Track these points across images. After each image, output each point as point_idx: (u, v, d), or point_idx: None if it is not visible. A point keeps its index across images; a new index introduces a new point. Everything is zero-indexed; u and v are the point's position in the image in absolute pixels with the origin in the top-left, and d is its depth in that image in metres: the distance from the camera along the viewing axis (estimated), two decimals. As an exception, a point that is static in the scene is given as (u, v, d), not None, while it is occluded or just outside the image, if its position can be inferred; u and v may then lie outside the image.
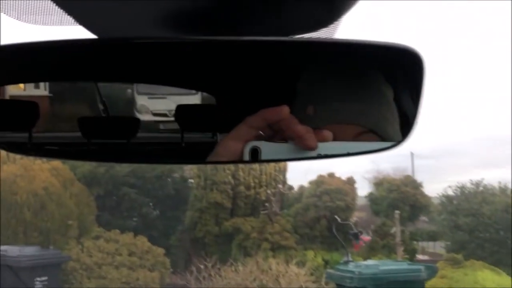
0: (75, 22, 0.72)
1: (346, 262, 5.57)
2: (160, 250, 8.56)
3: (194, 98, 2.05)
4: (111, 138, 1.70)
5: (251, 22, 0.77)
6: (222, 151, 0.68)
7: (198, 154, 0.77)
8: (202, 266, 7.73)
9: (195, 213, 9.55)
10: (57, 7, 0.68)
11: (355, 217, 10.20)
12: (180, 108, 1.54)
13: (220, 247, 9.04)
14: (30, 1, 0.70)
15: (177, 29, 0.74)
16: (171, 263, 8.71)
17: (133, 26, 0.74)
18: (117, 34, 0.75)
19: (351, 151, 0.70)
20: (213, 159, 0.69)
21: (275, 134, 0.67)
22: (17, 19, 0.74)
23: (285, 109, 0.65)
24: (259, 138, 0.67)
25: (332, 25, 0.78)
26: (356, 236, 7.48)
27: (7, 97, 2.01)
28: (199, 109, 1.68)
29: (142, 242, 8.42)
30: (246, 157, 0.67)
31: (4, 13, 0.72)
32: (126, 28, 0.74)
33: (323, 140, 0.67)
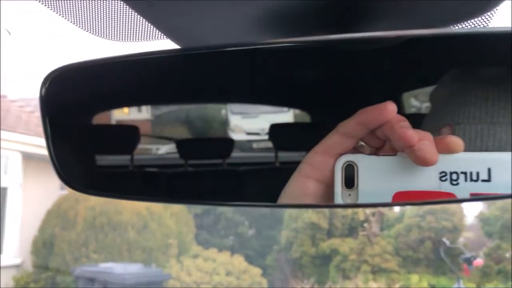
0: (163, 36, 0.65)
1: (458, 290, 5.10)
2: (257, 270, 8.52)
3: (286, 116, 1.97)
4: (207, 158, 1.68)
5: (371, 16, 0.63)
6: (307, 169, 0.51)
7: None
8: (299, 288, 7.55)
9: (290, 233, 9.43)
10: (144, 21, 0.61)
11: (462, 237, 9.43)
12: (274, 127, 1.46)
13: (317, 269, 8.80)
14: (114, 17, 0.64)
15: (273, 34, 0.62)
16: (268, 284, 8.63)
17: (229, 35, 0.64)
18: (206, 44, 0.66)
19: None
20: (298, 183, 0.51)
21: (383, 144, 0.49)
22: (102, 36, 0.68)
23: (389, 107, 0.46)
24: (359, 150, 0.50)
25: (487, 15, 0.60)
26: (469, 261, 6.84)
27: (113, 121, 2.09)
28: (293, 127, 1.59)
29: (239, 261, 8.46)
30: (338, 177, 0.49)
31: (89, 32, 0.67)
32: (218, 38, 0.65)
33: (448, 150, 0.46)
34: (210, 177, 1.57)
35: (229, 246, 9.52)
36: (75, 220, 7.77)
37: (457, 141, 0.47)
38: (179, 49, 0.60)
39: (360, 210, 9.10)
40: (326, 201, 0.50)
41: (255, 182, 1.54)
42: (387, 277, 7.86)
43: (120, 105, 1.45)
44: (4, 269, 7.44)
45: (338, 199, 0.49)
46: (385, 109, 0.47)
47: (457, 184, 0.47)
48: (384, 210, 9.44)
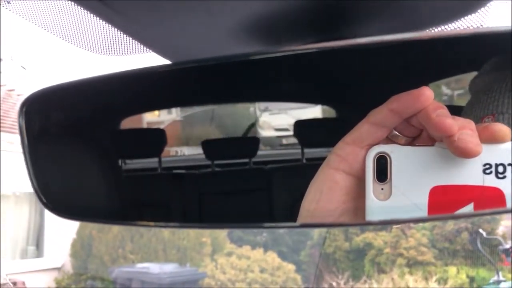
0: (147, 50, 0.66)
1: (498, 282, 4.96)
2: (291, 266, 8.53)
3: (314, 111, 1.95)
4: (232, 158, 1.68)
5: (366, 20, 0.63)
6: (335, 160, 0.47)
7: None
8: (334, 283, 7.51)
9: (323, 228, 9.38)
10: (125, 35, 0.62)
11: (501, 226, 9.15)
12: (298, 124, 1.45)
13: (351, 263, 8.73)
14: (99, 32, 0.65)
15: (267, 41, 0.62)
16: (302, 280, 8.62)
17: (213, 45, 0.64)
18: (194, 56, 0.66)
19: None
20: (326, 175, 0.48)
21: (420, 133, 0.45)
22: (88, 50, 0.70)
23: (426, 92, 0.42)
24: (393, 140, 0.46)
25: (480, 11, 0.59)
26: (508, 252, 6.64)
27: (144, 124, 2.12)
28: (318, 123, 1.58)
29: (272, 258, 8.48)
30: (370, 170, 0.45)
31: (75, 45, 0.69)
32: (204, 48, 0.65)
33: (494, 139, 0.42)
34: (236, 177, 1.58)
35: (262, 243, 9.54)
36: (111, 222, 7.93)
37: (504, 129, 0.42)
38: (178, 62, 0.60)
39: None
40: (356, 196, 0.48)
41: (282, 179, 1.53)
42: (423, 270, 7.73)
43: (108, 120, 1.43)
44: (46, 272, 7.69)
45: (370, 194, 0.46)
46: (421, 95, 0.43)
47: (504, 177, 0.43)
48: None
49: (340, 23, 0.57)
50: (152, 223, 1.14)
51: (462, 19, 0.59)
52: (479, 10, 0.58)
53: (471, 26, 0.62)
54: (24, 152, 0.59)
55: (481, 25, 0.63)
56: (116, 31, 0.62)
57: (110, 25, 0.59)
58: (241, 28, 0.57)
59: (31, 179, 0.59)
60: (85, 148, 0.90)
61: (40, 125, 0.62)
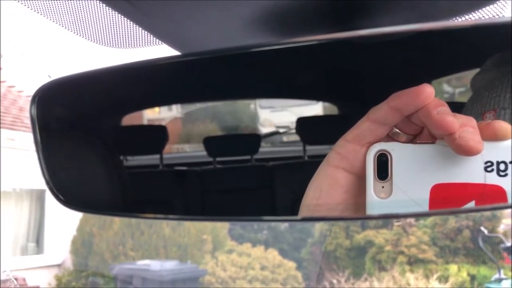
0: (160, 42, 0.65)
1: (499, 280, 4.96)
2: (292, 264, 8.54)
3: (315, 108, 1.95)
4: (234, 155, 1.68)
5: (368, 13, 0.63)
6: (336, 158, 0.47)
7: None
8: (335, 281, 7.52)
9: (324, 226, 9.38)
10: (138, 27, 0.62)
11: (502, 224, 9.14)
12: (300, 121, 1.45)
13: (352, 261, 8.74)
14: (112, 25, 0.65)
15: (272, 33, 0.61)
16: (303, 277, 8.63)
17: (226, 38, 0.64)
18: (204, 48, 0.66)
19: None
20: (326, 173, 0.48)
21: (421, 131, 0.45)
22: (100, 43, 0.69)
23: (426, 90, 0.42)
24: (394, 138, 0.46)
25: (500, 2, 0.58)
26: (510, 250, 6.64)
27: (145, 121, 2.11)
28: (320, 120, 1.57)
29: (273, 255, 8.49)
30: (370, 168, 0.45)
31: (86, 38, 0.68)
32: (216, 40, 0.64)
33: (495, 137, 0.42)
34: (238, 174, 1.58)
35: (263, 240, 9.55)
36: (112, 219, 7.94)
37: (505, 127, 0.42)
38: (182, 54, 0.60)
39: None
40: (357, 194, 0.47)
41: (284, 176, 1.53)
42: (424, 268, 7.73)
43: (114, 114, 1.42)
44: (46, 269, 7.70)
45: (370, 192, 0.46)
46: (422, 92, 0.42)
47: (506, 175, 0.43)
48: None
49: (354, 16, 0.56)
50: (152, 215, 1.14)
51: (481, 10, 0.59)
52: (499, 1, 0.57)
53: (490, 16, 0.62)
54: (35, 143, 0.58)
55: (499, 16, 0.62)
56: (128, 23, 0.61)
57: (122, 17, 0.59)
58: (254, 20, 0.57)
59: (42, 170, 0.59)
60: (90, 143, 0.90)
61: (51, 116, 0.62)
